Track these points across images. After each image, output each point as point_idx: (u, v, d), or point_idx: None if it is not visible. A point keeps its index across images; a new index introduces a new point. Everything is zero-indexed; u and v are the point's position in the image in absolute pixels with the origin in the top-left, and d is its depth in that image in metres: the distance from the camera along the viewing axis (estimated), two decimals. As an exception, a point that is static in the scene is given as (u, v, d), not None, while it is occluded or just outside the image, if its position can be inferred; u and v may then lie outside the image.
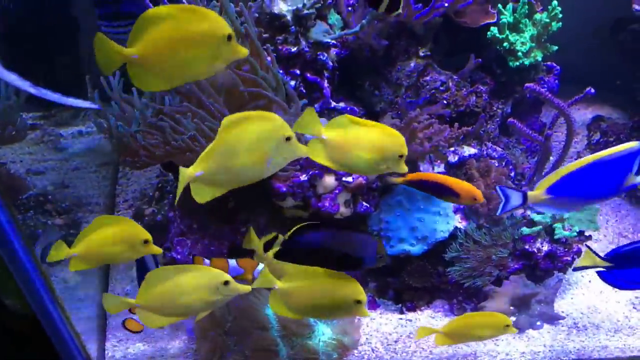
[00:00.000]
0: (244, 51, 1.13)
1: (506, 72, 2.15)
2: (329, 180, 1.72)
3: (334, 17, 1.82)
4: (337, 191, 1.70)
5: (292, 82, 1.72)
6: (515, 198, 1.55)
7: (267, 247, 1.35)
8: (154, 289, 1.33)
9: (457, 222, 1.96)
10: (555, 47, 2.11)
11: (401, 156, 1.26)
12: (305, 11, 1.66)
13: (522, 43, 2.05)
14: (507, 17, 2.03)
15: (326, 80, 1.83)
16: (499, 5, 2.03)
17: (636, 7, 2.14)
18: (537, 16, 2.06)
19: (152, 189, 2.21)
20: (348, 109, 1.90)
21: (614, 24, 2.52)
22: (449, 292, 1.98)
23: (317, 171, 1.69)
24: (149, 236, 1.36)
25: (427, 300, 2.01)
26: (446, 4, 1.76)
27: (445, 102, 1.98)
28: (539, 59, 2.08)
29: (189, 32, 1.08)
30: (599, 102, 2.82)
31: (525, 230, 1.93)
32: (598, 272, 1.69)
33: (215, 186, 1.18)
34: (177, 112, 1.54)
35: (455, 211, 1.99)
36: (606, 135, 2.49)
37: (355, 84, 2.03)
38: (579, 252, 1.96)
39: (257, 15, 1.64)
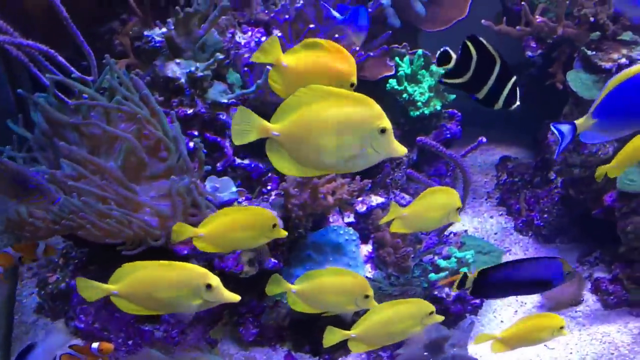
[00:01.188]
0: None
1: (409, 121, 2.21)
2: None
3: (233, 76, 1.84)
4: (239, 250, 1.69)
5: (191, 144, 1.71)
6: (568, 132, 1.34)
7: (460, 285, 1.46)
8: (131, 276, 1.26)
9: (368, 272, 1.98)
10: (453, 96, 2.19)
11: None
12: (200, 73, 1.67)
13: (421, 93, 2.12)
14: (404, 69, 2.09)
15: (228, 139, 1.83)
16: (397, 58, 2.09)
17: (529, 53, 2.24)
18: (434, 67, 2.13)
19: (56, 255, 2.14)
20: (252, 165, 1.91)
21: (514, 69, 2.64)
22: (365, 341, 1.99)
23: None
24: (276, 220, 1.37)
25: (344, 351, 2.00)
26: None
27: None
28: (438, 107, 2.15)
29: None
30: (507, 142, 2.94)
31: (433, 276, 1.96)
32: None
33: (288, 160, 1.11)
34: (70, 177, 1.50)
35: (366, 261, 2.01)
36: (512, 175, 2.58)
37: (261, 139, 2.03)
38: (487, 294, 2.00)
39: (149, 78, 1.64)
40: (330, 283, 1.40)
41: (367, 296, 1.40)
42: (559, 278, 1.46)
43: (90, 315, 1.81)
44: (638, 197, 2.01)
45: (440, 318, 1.43)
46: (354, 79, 1.16)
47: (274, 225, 1.38)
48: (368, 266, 2.00)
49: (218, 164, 1.82)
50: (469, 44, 1.31)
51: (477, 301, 2.01)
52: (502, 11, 2.41)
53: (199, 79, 1.69)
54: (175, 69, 1.67)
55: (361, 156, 1.08)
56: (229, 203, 1.80)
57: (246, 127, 1.11)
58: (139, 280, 1.26)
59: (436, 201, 1.46)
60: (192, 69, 1.66)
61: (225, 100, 1.74)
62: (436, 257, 2.02)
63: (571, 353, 1.99)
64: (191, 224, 1.57)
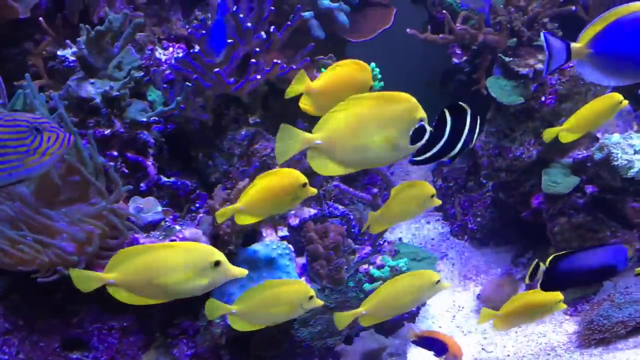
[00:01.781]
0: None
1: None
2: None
3: (154, 94, 1.80)
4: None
5: (111, 163, 1.67)
6: (560, 51, 1.16)
7: (532, 276, 1.49)
8: (129, 262, 1.17)
9: (303, 285, 1.96)
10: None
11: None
12: (115, 92, 1.63)
13: (350, 103, 2.11)
14: (334, 80, 2.09)
15: (151, 158, 1.79)
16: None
17: (455, 60, 2.27)
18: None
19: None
20: (179, 183, 1.88)
21: (442, 75, 2.68)
22: (303, 355, 1.97)
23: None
24: (306, 179, 1.39)
25: (285, 366, 1.98)
26: (258, 77, 1.79)
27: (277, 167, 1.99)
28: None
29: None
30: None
31: (367, 286, 1.96)
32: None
33: (332, 163, 1.21)
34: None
35: (301, 274, 1.99)
36: (446, 180, 2.62)
37: (189, 156, 2.01)
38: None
39: (66, 103, 1.59)
40: (271, 296, 1.40)
41: (311, 297, 1.41)
42: (624, 263, 1.50)
43: (13, 346, 1.74)
44: (563, 199, 2.06)
45: (448, 285, 1.56)
46: (371, 83, 1.35)
47: (304, 185, 1.41)
48: (303, 279, 1.99)
49: (142, 184, 1.78)
50: (446, 112, 1.39)
51: (414, 308, 2.02)
52: (427, 20, 2.44)
53: (115, 99, 1.65)
54: (89, 89, 1.63)
55: (404, 148, 1.21)
56: (153, 223, 1.76)
57: (289, 142, 1.22)
58: (138, 266, 1.16)
59: (409, 194, 1.50)
60: (107, 88, 1.62)
61: (145, 119, 1.70)
62: (371, 267, 2.03)
63: (509, 355, 2.01)
64: (110, 247, 1.53)
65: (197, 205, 1.89)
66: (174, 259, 1.18)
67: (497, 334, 2.06)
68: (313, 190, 1.42)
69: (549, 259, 1.49)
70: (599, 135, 2.01)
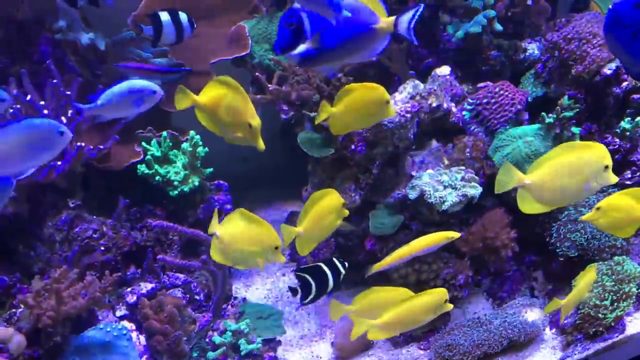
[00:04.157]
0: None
1: (172, 201, 2.21)
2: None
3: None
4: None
5: None
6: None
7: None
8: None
9: (145, 364, 1.92)
10: (209, 170, 2.22)
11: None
12: None
13: (176, 172, 2.13)
14: (154, 151, 2.10)
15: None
16: (143, 143, 2.10)
17: (283, 116, 2.34)
18: (184, 145, 2.16)
19: None
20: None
21: (281, 129, 2.73)
22: None
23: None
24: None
25: None
26: (59, 163, 1.77)
27: (103, 248, 1.97)
28: (196, 183, 2.17)
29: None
30: (293, 198, 3.03)
31: (211, 354, 1.94)
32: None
33: (534, 202, 1.50)
34: None
35: (143, 353, 1.95)
36: (296, 232, 2.66)
37: (8, 249, 1.95)
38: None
39: None
40: None
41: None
42: None
43: None
44: (393, 238, 2.14)
45: (450, 306, 1.71)
46: (387, 97, 1.64)
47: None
48: (144, 358, 1.95)
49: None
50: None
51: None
52: (251, 81, 2.50)
53: None
54: None
55: (589, 189, 1.49)
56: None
57: (507, 178, 1.51)
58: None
59: (325, 205, 1.67)
60: None
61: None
62: (214, 334, 2.01)
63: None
64: None
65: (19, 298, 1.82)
66: None
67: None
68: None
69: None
70: (413, 172, 2.11)
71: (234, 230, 1.55)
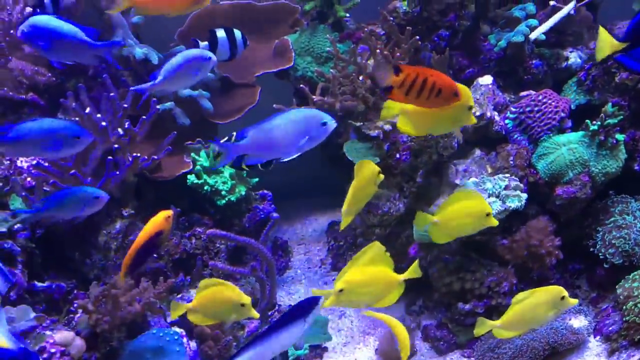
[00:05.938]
0: None
1: (219, 210, 2.27)
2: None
3: (17, 202, 1.82)
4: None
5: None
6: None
7: None
8: None
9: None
10: (255, 179, 2.27)
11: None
12: (-29, 208, 1.65)
13: (224, 182, 2.19)
14: (203, 161, 2.16)
15: (20, 266, 1.80)
16: (192, 154, 2.16)
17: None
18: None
19: None
20: (53, 286, 1.88)
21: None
22: None
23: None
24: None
25: None
26: (117, 172, 1.84)
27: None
28: (243, 193, 2.22)
29: None
30: (332, 208, 3.07)
31: (259, 359, 1.98)
32: (617, 58, 1.61)
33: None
34: None
35: (193, 359, 1.99)
36: (337, 240, 2.69)
37: (65, 256, 2.02)
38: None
39: None
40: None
41: None
42: None
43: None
44: (437, 245, 2.16)
45: (575, 301, 1.65)
46: (471, 102, 1.63)
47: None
48: (195, 364, 1.99)
49: (11, 293, 1.77)
50: None
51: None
52: (293, 93, 2.55)
53: (-28, 214, 1.66)
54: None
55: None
56: (28, 331, 1.75)
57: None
58: None
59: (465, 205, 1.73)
60: (-40, 205, 1.63)
61: (5, 229, 1.71)
62: (262, 339, 2.05)
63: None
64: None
65: (76, 305, 1.89)
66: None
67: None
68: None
69: None
70: (457, 181, 2.13)
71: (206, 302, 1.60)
